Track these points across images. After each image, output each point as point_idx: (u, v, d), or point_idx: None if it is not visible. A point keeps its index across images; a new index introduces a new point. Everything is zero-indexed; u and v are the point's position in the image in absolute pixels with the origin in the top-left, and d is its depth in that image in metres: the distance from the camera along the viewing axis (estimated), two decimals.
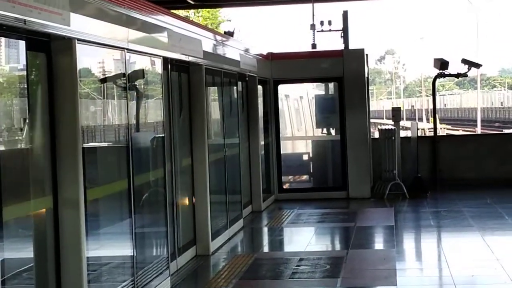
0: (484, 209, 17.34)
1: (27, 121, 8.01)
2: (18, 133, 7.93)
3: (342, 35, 26.11)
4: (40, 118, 8.09)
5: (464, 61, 21.43)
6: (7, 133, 7.59)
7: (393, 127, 21.14)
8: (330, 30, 27.44)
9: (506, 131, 39.87)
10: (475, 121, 54.11)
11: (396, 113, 21.44)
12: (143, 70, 10.74)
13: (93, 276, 8.45)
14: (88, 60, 8.77)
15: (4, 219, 6.92)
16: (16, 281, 7.53)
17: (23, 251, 7.84)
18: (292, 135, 22.41)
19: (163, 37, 11.67)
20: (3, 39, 7.15)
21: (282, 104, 21.25)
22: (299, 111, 21.77)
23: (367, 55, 21.02)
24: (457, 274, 11.54)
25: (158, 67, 11.50)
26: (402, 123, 21.42)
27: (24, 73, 7.88)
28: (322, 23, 27.72)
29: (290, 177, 21.51)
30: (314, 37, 27.81)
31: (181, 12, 21.40)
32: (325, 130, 21.39)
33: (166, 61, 11.84)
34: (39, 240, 8.06)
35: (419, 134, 23.16)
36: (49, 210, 8.12)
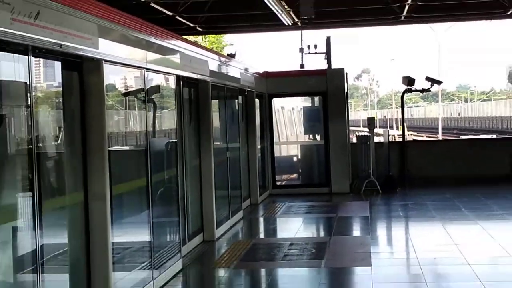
0: (444, 202, 17.36)
1: (62, 129, 8.06)
2: (55, 139, 7.97)
3: (326, 57, 26.24)
4: (73, 127, 8.13)
5: (428, 79, 21.44)
6: (46, 139, 7.62)
7: (368, 134, 21.16)
8: (315, 53, 27.57)
9: (463, 137, 39.80)
10: (437, 128, 54.08)
11: (370, 122, 21.47)
12: (159, 86, 10.77)
13: (117, 258, 8.48)
14: (113, 77, 8.79)
15: (43, 211, 6.97)
16: (53, 263, 7.56)
17: (59, 238, 7.86)
18: (286, 139, 22.35)
19: (176, 58, 11.71)
20: (42, 60, 7.18)
21: (276, 114, 21.22)
22: (290, 120, 21.74)
23: (346, 73, 21.02)
24: (422, 256, 11.57)
25: (172, 83, 11.55)
26: (375, 130, 21.42)
27: (60, 89, 7.94)
28: (309, 46, 27.88)
29: (282, 175, 21.47)
30: (302, 59, 27.99)
31: (191, 38, 21.33)
32: (311, 136, 21.36)
33: (178, 78, 11.87)
34: (72, 228, 8.10)
35: (390, 140, 23.10)
36: (81, 203, 8.17)
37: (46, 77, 7.64)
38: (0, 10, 6.00)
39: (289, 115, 21.93)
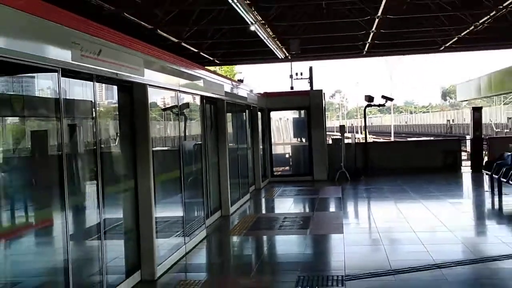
0: (396, 187, 17.34)
1: (118, 134, 8.06)
2: (113, 142, 7.97)
3: (309, 81, 26.18)
4: (126, 133, 8.13)
5: (383, 97, 21.38)
6: (106, 142, 7.63)
7: (340, 137, 21.12)
8: (301, 78, 27.46)
9: (409, 139, 39.64)
10: (390, 133, 54.07)
11: (341, 129, 21.43)
12: (188, 103, 10.78)
13: (159, 228, 8.48)
14: (155, 97, 8.81)
15: (105, 194, 6.98)
16: (113, 232, 7.56)
17: (117, 214, 7.87)
18: (282, 141, 22.28)
19: (200, 83, 11.72)
20: (104, 85, 7.20)
21: (273, 123, 21.20)
22: (283, 128, 21.73)
23: (324, 93, 20.96)
24: (380, 226, 11.55)
25: (197, 101, 11.58)
26: (345, 134, 21.35)
27: (116, 105, 7.95)
28: (296, 74, 27.79)
29: (278, 167, 21.43)
30: (292, 82, 27.89)
31: (211, 67, 21.34)
32: (298, 139, 21.29)
33: (202, 97, 11.88)
34: (126, 207, 8.11)
35: (356, 141, 23.04)
36: (132, 188, 8.17)
37: (106, 97, 7.66)
38: (73, 49, 6.01)
39: (283, 124, 21.86)
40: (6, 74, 5.24)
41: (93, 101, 6.83)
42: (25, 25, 5.26)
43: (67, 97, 5.97)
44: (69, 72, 5.95)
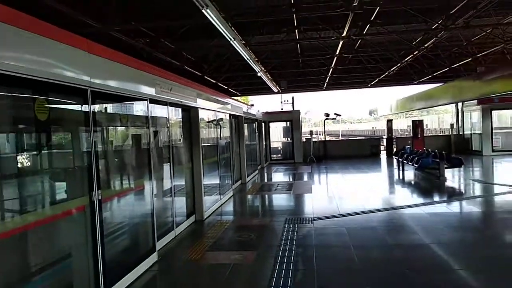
0: (342, 166, 17.29)
1: (181, 136, 8.09)
2: (179, 141, 8.02)
3: (292, 105, 26.14)
4: (187, 135, 8.17)
5: (335, 113, 21.38)
6: (175, 141, 7.67)
7: (310, 137, 21.08)
8: (287, 103, 27.42)
9: (350, 138, 39.41)
10: (339, 135, 53.84)
11: (311, 133, 21.39)
12: (222, 118, 10.79)
13: (205, 190, 8.50)
14: (203, 115, 8.81)
15: (175, 171, 7.01)
16: (179, 193, 7.62)
17: (181, 182, 7.91)
18: (277, 140, 22.25)
19: (229, 106, 11.72)
20: (173, 108, 7.24)
21: (271, 130, 21.16)
22: (277, 132, 21.67)
23: (300, 112, 20.97)
24: (333, 188, 11.56)
25: (227, 117, 11.57)
26: (313, 136, 21.32)
27: (180, 120, 7.97)
28: (285, 101, 27.73)
29: (274, 155, 21.38)
30: (282, 105, 27.83)
31: (235, 97, 21.28)
32: (286, 139, 21.22)
33: (230, 115, 11.89)
34: (186, 178, 8.14)
35: (319, 140, 22.99)
36: (190, 167, 8.20)
37: (175, 115, 7.70)
38: (156, 87, 6.06)
39: (277, 130, 21.82)
40: (118, 102, 5.31)
41: (167, 117, 6.89)
42: (132, 75, 5.34)
43: (152, 115, 6.02)
44: (153, 101, 6.02)
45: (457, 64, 17.06)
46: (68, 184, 4.29)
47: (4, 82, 3.10)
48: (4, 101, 3.46)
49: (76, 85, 3.95)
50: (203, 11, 6.68)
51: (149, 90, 5.82)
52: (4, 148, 3.77)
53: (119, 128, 5.92)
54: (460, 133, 22.30)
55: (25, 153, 4.01)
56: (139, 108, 5.81)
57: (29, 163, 4.05)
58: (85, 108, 4.14)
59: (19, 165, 3.90)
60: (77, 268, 4.13)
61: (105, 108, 5.01)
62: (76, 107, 4.19)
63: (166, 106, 6.72)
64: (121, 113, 5.69)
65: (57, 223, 3.99)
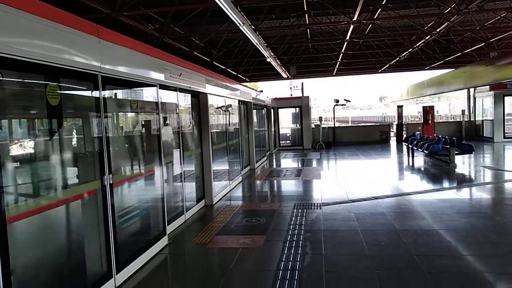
0: (352, 152, 17.27)
1: (191, 122, 8.13)
2: (188, 128, 8.05)
3: (302, 91, 25.99)
4: (196, 121, 8.20)
5: (345, 99, 21.24)
6: (184, 126, 7.70)
7: (319, 123, 21.02)
8: (297, 89, 27.26)
9: (360, 124, 39.17)
10: (348, 121, 53.42)
11: (320, 119, 21.32)
12: (231, 104, 10.77)
13: (215, 176, 8.55)
14: (212, 101, 8.82)
15: (184, 156, 7.07)
16: (188, 178, 7.67)
17: (191, 167, 7.97)
18: (286, 126, 22.21)
19: (238, 92, 11.71)
20: (182, 93, 7.25)
21: (280, 116, 21.09)
22: (286, 118, 21.61)
23: (309, 98, 20.83)
24: (342, 174, 11.58)
25: (236, 103, 11.55)
26: (322, 122, 21.26)
27: (190, 105, 7.99)
28: (295, 86, 27.57)
29: (283, 141, 21.37)
30: (291, 91, 27.67)
31: (244, 83, 21.21)
32: (295, 125, 21.17)
33: (239, 101, 11.88)
34: (196, 163, 8.20)
35: (328, 126, 22.90)
36: (199, 153, 8.25)
37: (184, 100, 7.73)
38: (165, 73, 6.07)
39: (286, 115, 21.75)
40: (129, 87, 5.33)
41: (176, 103, 6.91)
42: (141, 60, 5.35)
43: (162, 101, 6.04)
44: (163, 86, 6.04)
45: (470, 49, 16.77)
46: (80, 169, 4.35)
47: (17, 67, 3.13)
48: (17, 86, 3.50)
49: (87, 70, 3.98)
50: None
51: (159, 76, 5.83)
52: (17, 133, 3.83)
53: (129, 114, 5.95)
54: (472, 119, 22.03)
55: (38, 138, 4.07)
56: (149, 94, 5.83)
57: (42, 148, 4.11)
58: (95, 93, 4.17)
59: (32, 150, 3.96)
60: (90, 250, 4.21)
61: (116, 93, 5.04)
62: (87, 93, 4.23)
63: (176, 92, 6.74)
64: (131, 98, 5.72)
65: (70, 207, 4.07)
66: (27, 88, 3.66)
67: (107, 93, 4.39)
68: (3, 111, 3.32)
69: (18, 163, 3.66)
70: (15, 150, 3.77)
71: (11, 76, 3.21)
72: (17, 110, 3.74)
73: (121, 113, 5.59)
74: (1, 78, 2.96)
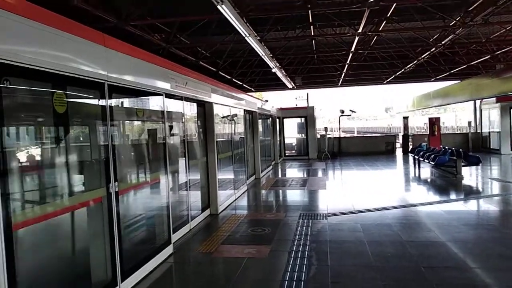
0: (357, 162, 17.21)
1: (196, 131, 8.14)
2: (194, 136, 8.06)
3: (307, 101, 25.99)
4: (201, 130, 8.21)
5: (350, 110, 21.16)
6: (190, 135, 7.71)
7: (324, 133, 20.98)
8: (302, 99, 27.27)
9: (365, 135, 39.06)
10: (354, 131, 53.28)
11: (325, 129, 21.30)
12: (236, 114, 10.80)
13: (220, 184, 8.54)
14: (218, 110, 8.85)
15: (190, 165, 7.06)
16: (194, 187, 7.66)
17: (196, 176, 7.96)
18: (291, 135, 22.20)
19: (243, 102, 11.73)
20: (188, 103, 7.27)
21: (285, 126, 21.09)
22: (291, 128, 21.61)
23: (314, 108, 20.84)
24: (347, 185, 11.51)
25: (241, 112, 11.57)
26: (328, 132, 21.24)
27: (195, 114, 8.01)
28: (300, 96, 27.60)
29: (288, 150, 21.34)
30: (296, 101, 27.70)
31: (250, 93, 21.26)
32: (300, 135, 21.15)
33: (244, 110, 11.90)
34: (201, 172, 8.20)
35: (333, 136, 22.84)
36: (205, 162, 8.25)
37: (190, 109, 7.75)
38: (171, 82, 6.10)
39: (291, 125, 21.74)
40: (135, 96, 5.36)
41: (182, 112, 6.93)
42: (148, 69, 5.38)
43: (168, 110, 6.06)
44: (169, 95, 6.06)
45: (476, 62, 16.75)
46: (86, 176, 4.36)
47: (25, 75, 3.16)
48: (25, 94, 3.52)
49: (93, 79, 4.00)
50: (218, 7, 6.69)
51: (165, 85, 5.86)
52: (24, 140, 3.84)
53: (136, 122, 5.98)
54: (478, 131, 21.91)
55: (44, 145, 4.08)
56: (155, 103, 5.85)
57: (48, 155, 4.12)
58: (102, 102, 4.19)
59: (38, 157, 3.97)
60: (95, 258, 4.19)
61: (122, 102, 5.06)
62: (93, 101, 4.25)
63: (182, 101, 6.76)
64: (137, 107, 5.74)
65: (75, 214, 4.06)
66: (34, 96, 3.68)
67: (113, 102, 4.41)
68: (11, 118, 3.33)
69: (24, 170, 3.67)
70: (22, 157, 3.78)
71: (19, 83, 3.24)
72: (24, 117, 3.76)
73: (127, 121, 5.62)
74: (9, 86, 2.97)
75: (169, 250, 5.67)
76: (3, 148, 2.86)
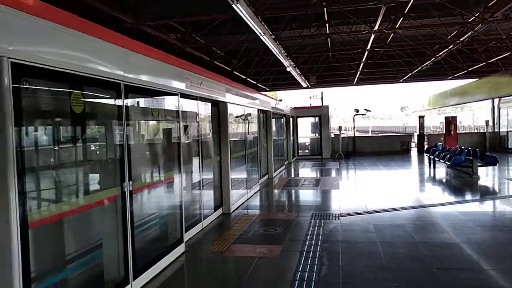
0: (371, 162, 17.08)
1: (210, 130, 8.19)
2: (208, 136, 8.10)
3: (321, 100, 25.86)
4: (215, 129, 8.26)
5: (365, 109, 20.99)
6: (204, 135, 7.75)
7: (338, 133, 20.87)
8: (316, 98, 27.16)
9: (380, 134, 38.72)
10: (368, 131, 52.82)
11: (340, 128, 21.18)
12: (250, 113, 10.80)
13: (233, 184, 8.58)
14: (232, 109, 8.87)
15: (203, 164, 7.10)
16: (207, 186, 7.70)
17: (209, 175, 8.01)
18: (304, 135, 22.12)
19: (257, 101, 11.75)
20: (203, 102, 7.31)
21: (299, 125, 21.04)
22: (306, 127, 21.53)
23: (329, 107, 20.74)
24: (361, 185, 11.44)
25: (255, 112, 11.58)
26: (342, 131, 21.11)
27: (210, 114, 8.06)
28: (315, 96, 27.47)
29: (301, 150, 21.29)
30: (310, 100, 27.58)
31: (264, 92, 21.24)
32: (314, 134, 21.06)
33: (258, 110, 11.91)
34: (214, 171, 8.23)
35: (348, 136, 22.70)
36: (218, 161, 8.29)
37: (204, 109, 7.79)
38: (186, 82, 6.15)
39: (305, 125, 21.66)
40: (150, 96, 5.43)
41: (197, 112, 6.98)
42: (163, 70, 5.44)
43: (183, 110, 6.11)
44: (184, 95, 6.11)
45: (494, 59, 16.43)
46: (101, 175, 4.43)
47: (43, 75, 3.23)
48: (43, 94, 3.60)
49: (110, 79, 4.07)
50: (233, 6, 6.71)
51: (180, 85, 5.91)
52: (42, 140, 3.92)
53: (151, 122, 6.05)
54: (496, 130, 21.51)
55: (61, 144, 4.16)
56: (170, 103, 5.91)
57: (65, 155, 4.20)
58: (118, 102, 4.26)
59: (55, 157, 4.05)
60: (108, 256, 4.27)
61: (138, 102, 5.13)
62: (110, 101, 4.32)
63: (196, 101, 6.81)
64: (152, 107, 5.81)
65: (90, 212, 4.14)
66: (52, 96, 3.76)
67: (129, 102, 4.47)
68: (29, 118, 3.41)
69: (41, 168, 3.76)
70: (39, 156, 3.86)
71: (38, 84, 3.31)
72: (42, 117, 3.84)
73: (143, 121, 5.69)
74: (28, 86, 3.04)
75: (181, 248, 5.73)
76: (21, 147, 2.92)
